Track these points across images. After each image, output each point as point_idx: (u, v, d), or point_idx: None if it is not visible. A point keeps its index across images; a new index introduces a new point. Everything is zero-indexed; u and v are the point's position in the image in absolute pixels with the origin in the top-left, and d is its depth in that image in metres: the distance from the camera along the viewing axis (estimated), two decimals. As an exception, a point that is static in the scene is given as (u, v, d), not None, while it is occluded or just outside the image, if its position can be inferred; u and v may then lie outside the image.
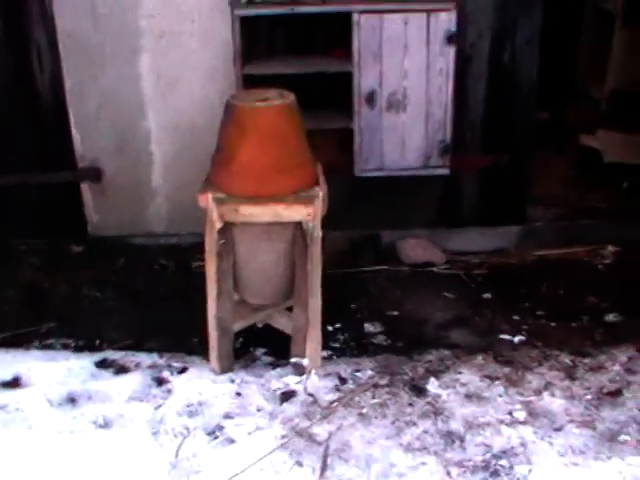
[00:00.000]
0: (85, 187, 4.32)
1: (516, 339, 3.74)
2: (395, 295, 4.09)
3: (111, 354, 3.57)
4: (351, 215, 4.18)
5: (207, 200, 3.11)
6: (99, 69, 4.06)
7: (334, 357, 3.59)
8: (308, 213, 3.09)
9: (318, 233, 3.17)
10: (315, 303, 3.27)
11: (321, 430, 3.04)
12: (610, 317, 3.91)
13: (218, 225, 3.11)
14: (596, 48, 5.31)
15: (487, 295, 4.11)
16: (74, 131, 4.19)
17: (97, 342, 3.71)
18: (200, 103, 4.11)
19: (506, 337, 3.76)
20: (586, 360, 3.53)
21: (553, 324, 3.86)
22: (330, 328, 3.76)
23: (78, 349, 3.66)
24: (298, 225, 3.17)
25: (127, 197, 4.32)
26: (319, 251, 3.20)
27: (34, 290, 4.06)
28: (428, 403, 3.22)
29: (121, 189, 4.30)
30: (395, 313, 3.94)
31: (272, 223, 3.14)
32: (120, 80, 4.08)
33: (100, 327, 3.80)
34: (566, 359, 3.53)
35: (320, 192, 3.15)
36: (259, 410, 3.17)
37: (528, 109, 4.16)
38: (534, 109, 4.19)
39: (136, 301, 3.99)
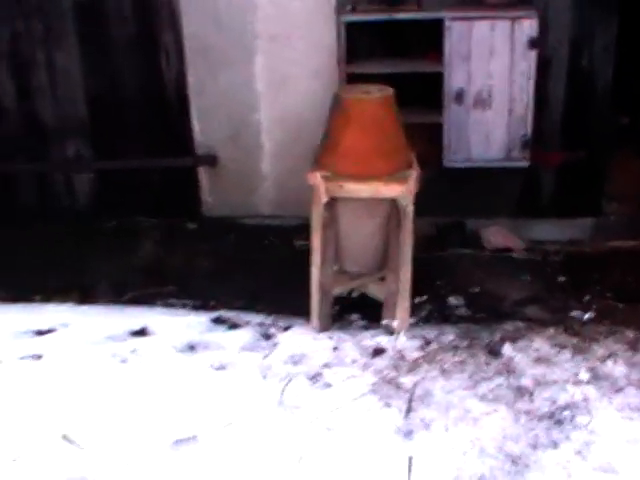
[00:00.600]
0: (202, 171, 4.88)
1: (586, 316, 4.08)
2: (477, 275, 4.49)
3: (224, 313, 4.09)
4: (439, 203, 4.59)
5: (316, 177, 3.60)
6: (219, 68, 4.61)
7: (420, 324, 4.02)
8: (402, 190, 3.56)
9: (410, 209, 3.63)
10: (406, 272, 3.73)
11: (407, 380, 3.47)
12: (677, 304, 4.23)
13: (324, 199, 3.60)
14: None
15: (561, 279, 4.47)
16: (194, 122, 4.75)
17: (212, 303, 4.23)
18: (306, 98, 4.61)
19: (576, 314, 4.11)
20: (649, 336, 3.87)
21: (621, 305, 4.19)
22: (417, 300, 4.17)
23: (195, 308, 4.19)
24: (393, 202, 3.64)
25: (238, 182, 4.85)
26: (411, 225, 3.66)
27: (156, 259, 4.63)
28: (502, 363, 3.62)
29: (233, 174, 4.84)
30: (476, 290, 4.35)
31: (371, 199, 3.61)
32: (237, 78, 4.62)
33: (214, 291, 4.32)
34: (630, 334, 3.85)
35: (413, 173, 3.61)
36: (353, 362, 3.63)
37: (604, 110, 4.52)
38: (610, 110, 4.55)
39: (246, 270, 4.51)
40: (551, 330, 3.91)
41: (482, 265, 4.61)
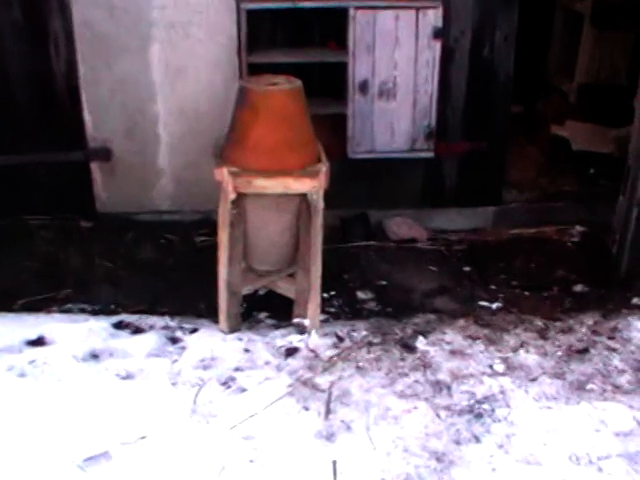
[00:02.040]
0: (95, 166, 4.62)
1: (494, 306, 4.14)
2: (383, 268, 4.46)
3: (127, 317, 3.88)
4: (342, 195, 4.50)
5: (223, 173, 3.45)
6: (112, 57, 4.37)
7: (331, 320, 3.95)
8: (313, 185, 3.45)
9: (321, 204, 3.53)
10: (316, 268, 3.63)
11: (323, 380, 3.40)
12: (578, 288, 4.32)
13: (232, 196, 3.46)
14: (565, 46, 5.74)
15: (467, 268, 4.51)
16: (86, 114, 4.49)
17: (112, 307, 4.01)
18: (205, 90, 4.44)
19: (485, 304, 4.15)
20: (557, 324, 3.93)
21: (527, 293, 4.27)
22: (326, 295, 4.09)
23: (95, 313, 3.95)
24: (303, 197, 3.53)
25: (134, 176, 4.63)
26: (321, 221, 3.57)
27: (49, 261, 4.35)
28: (417, 358, 3.60)
29: (129, 169, 4.61)
30: (384, 283, 4.32)
31: (280, 195, 3.49)
32: (132, 67, 4.39)
33: (114, 294, 4.11)
34: (539, 322, 3.93)
35: (323, 167, 3.51)
36: (266, 364, 3.52)
37: (505, 100, 4.56)
38: (510, 100, 4.59)
39: (145, 271, 4.31)
40: (462, 321, 3.93)
41: (388, 257, 4.59)
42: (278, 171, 3.44)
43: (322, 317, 3.87)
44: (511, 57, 4.44)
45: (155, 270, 4.32)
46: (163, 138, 4.55)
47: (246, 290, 3.80)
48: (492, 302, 4.17)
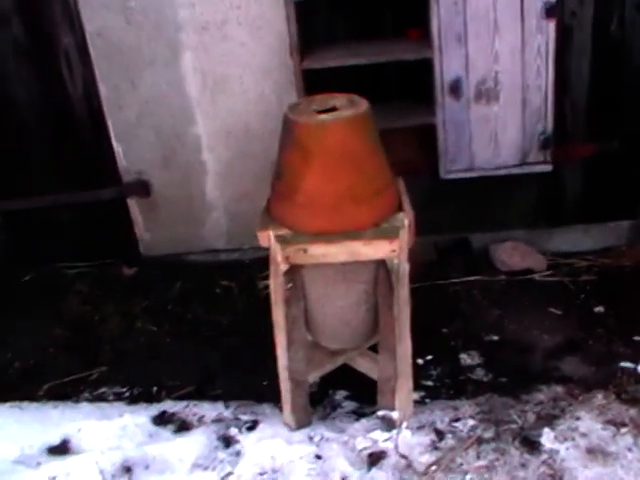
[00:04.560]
0: (133, 203, 3.84)
1: (640, 368, 3.16)
2: (493, 314, 3.53)
3: (170, 405, 3.13)
4: (436, 217, 3.63)
5: (269, 239, 2.58)
6: (137, 72, 3.54)
7: (427, 400, 3.07)
8: (393, 249, 2.54)
9: (405, 269, 2.62)
10: (404, 350, 2.74)
11: (419, 504, 2.55)
12: None
13: (283, 268, 2.59)
14: None
15: (599, 309, 3.52)
16: (115, 143, 3.70)
17: (154, 389, 3.26)
18: (255, 103, 3.57)
19: (628, 365, 3.18)
20: None
21: (684, 345, 3.27)
22: (420, 361, 3.24)
23: (133, 400, 3.22)
24: (380, 262, 2.62)
25: (180, 212, 3.84)
26: (407, 290, 2.66)
27: (82, 326, 3.63)
28: (544, 462, 2.68)
29: (173, 203, 3.82)
30: (495, 338, 3.39)
31: (349, 262, 2.59)
32: (161, 83, 3.56)
33: (157, 370, 3.35)
34: None
35: (406, 220, 2.59)
36: (343, 479, 2.68)
37: (640, 86, 3.50)
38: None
39: (197, 336, 3.52)
40: (599, 397, 2.98)
41: (497, 297, 3.65)
42: (342, 233, 2.53)
43: (415, 396, 2.99)
44: (647, 30, 3.37)
45: (208, 334, 3.53)
46: (209, 165, 3.71)
47: (314, 376, 2.94)
48: (637, 362, 3.18)
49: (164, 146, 3.69)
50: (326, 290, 2.70)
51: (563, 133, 3.51)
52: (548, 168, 3.45)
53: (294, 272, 2.63)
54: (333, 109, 2.60)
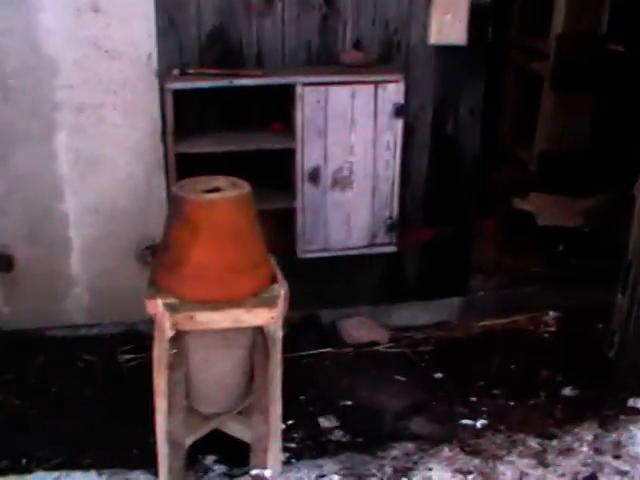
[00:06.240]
0: (-7, 277, 3.86)
1: (478, 424, 3.56)
2: (344, 382, 3.83)
3: (42, 476, 3.15)
4: (290, 294, 3.90)
5: (157, 307, 2.76)
6: (8, 147, 3.63)
7: (293, 460, 3.30)
8: (272, 316, 2.81)
9: (279, 335, 2.89)
10: (276, 410, 2.99)
11: None
12: (567, 391, 3.80)
13: (170, 334, 2.78)
14: (519, 109, 5.26)
15: (438, 375, 3.92)
16: (-22, 217, 3.74)
17: (24, 461, 3.25)
18: (124, 183, 3.74)
19: (468, 422, 3.57)
20: (553, 442, 3.42)
21: (512, 403, 3.72)
22: (283, 426, 3.46)
23: (2, 472, 3.19)
24: (258, 328, 2.88)
25: (42, 287, 3.88)
26: (280, 354, 2.92)
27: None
28: (403, 511, 2.98)
29: (35, 278, 3.85)
30: (349, 403, 3.69)
31: (230, 329, 2.83)
32: (33, 159, 3.66)
33: (25, 442, 3.33)
34: (533, 443, 3.41)
35: (282, 290, 2.88)
36: (219, 543, 2.84)
37: (471, 179, 4.02)
38: (478, 178, 4.05)
39: (62, 407, 3.55)
40: (446, 450, 3.37)
41: (348, 367, 3.96)
42: (226, 301, 2.77)
43: (282, 457, 3.21)
44: (477, 133, 3.91)
45: (74, 405, 3.56)
46: (75, 241, 3.82)
47: (191, 440, 3.09)
48: (475, 419, 3.59)
49: (32, 222, 3.76)
50: (207, 355, 2.90)
51: (404, 218, 3.94)
52: (393, 249, 3.86)
53: (178, 338, 2.82)
54: (217, 189, 2.87)
